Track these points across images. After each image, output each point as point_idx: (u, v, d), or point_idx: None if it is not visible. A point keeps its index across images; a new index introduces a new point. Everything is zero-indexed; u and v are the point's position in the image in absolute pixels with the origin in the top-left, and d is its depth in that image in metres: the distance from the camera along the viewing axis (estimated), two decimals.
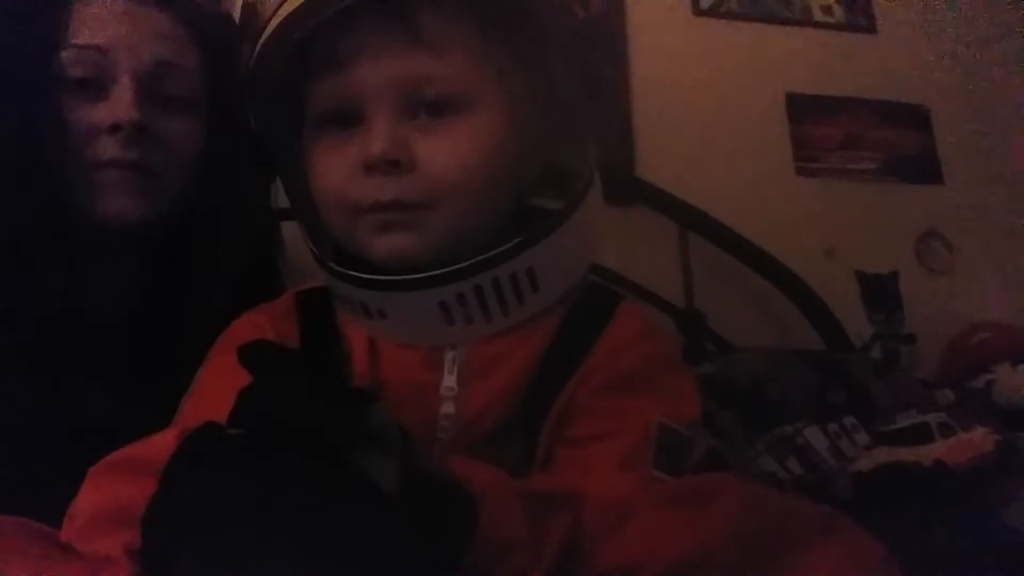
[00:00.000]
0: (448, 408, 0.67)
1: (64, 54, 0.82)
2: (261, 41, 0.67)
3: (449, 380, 0.67)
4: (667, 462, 0.63)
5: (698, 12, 1.74)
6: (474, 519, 0.54)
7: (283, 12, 0.65)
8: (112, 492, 0.55)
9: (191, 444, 0.50)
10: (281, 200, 1.04)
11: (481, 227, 0.68)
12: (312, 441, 0.48)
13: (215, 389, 0.66)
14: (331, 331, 0.71)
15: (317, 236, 0.73)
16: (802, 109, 1.72)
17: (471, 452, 0.62)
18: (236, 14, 0.99)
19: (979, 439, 1.00)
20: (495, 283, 0.66)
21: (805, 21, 1.79)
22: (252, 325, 0.73)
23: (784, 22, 1.78)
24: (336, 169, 0.67)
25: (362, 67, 0.65)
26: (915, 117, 1.78)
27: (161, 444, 0.55)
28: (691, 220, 1.50)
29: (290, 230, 1.06)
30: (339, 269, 0.69)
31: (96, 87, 0.83)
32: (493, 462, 0.60)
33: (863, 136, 1.74)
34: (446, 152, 0.65)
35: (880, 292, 1.55)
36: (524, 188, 0.72)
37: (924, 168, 1.75)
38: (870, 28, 1.81)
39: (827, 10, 1.80)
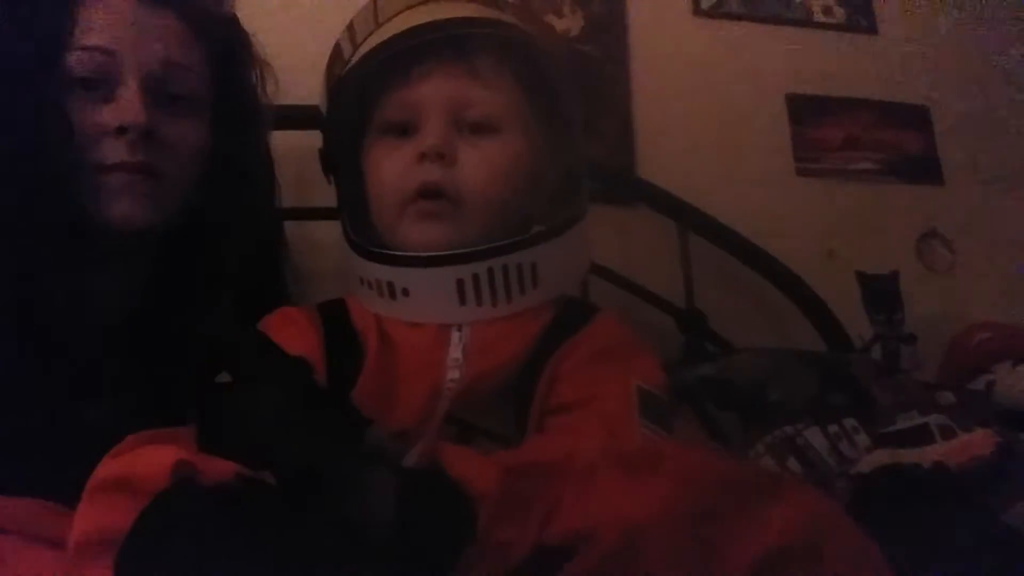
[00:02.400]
0: (453, 375, 0.79)
1: (70, 56, 0.82)
2: (356, 59, 0.86)
3: (455, 353, 0.80)
4: (652, 416, 0.75)
5: (698, 12, 1.73)
6: (471, 524, 0.55)
7: (372, 42, 0.85)
8: (100, 517, 0.57)
9: (165, 506, 0.52)
10: (284, 200, 1.04)
11: (499, 227, 0.83)
12: (316, 470, 0.51)
13: None
14: (348, 328, 0.84)
15: (357, 229, 0.88)
16: (802, 109, 1.72)
17: (474, 411, 0.76)
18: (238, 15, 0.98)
19: (979, 441, 1.00)
20: (504, 270, 0.81)
21: (805, 21, 1.78)
22: (288, 317, 0.85)
23: (784, 22, 1.77)
24: (394, 162, 0.84)
25: (425, 86, 0.84)
26: (915, 117, 1.77)
27: (156, 463, 0.57)
28: (691, 220, 1.50)
29: (293, 231, 1.07)
30: (379, 251, 0.84)
31: (102, 89, 0.83)
32: (492, 425, 0.75)
33: (863, 136, 1.74)
34: (481, 159, 0.83)
35: (880, 292, 1.55)
36: (532, 205, 0.87)
37: (924, 168, 1.75)
38: (870, 28, 1.81)
39: (827, 10, 1.80)
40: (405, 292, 0.82)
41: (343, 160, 0.90)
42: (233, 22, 0.95)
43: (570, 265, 0.89)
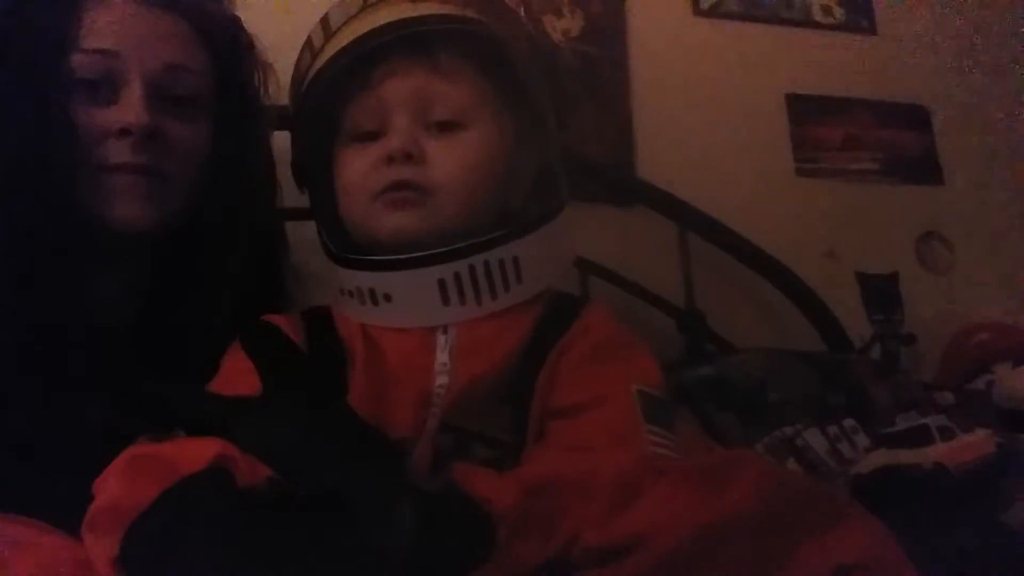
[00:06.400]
0: (442, 380, 0.78)
1: (74, 57, 0.83)
2: (315, 70, 0.85)
3: (442, 357, 0.79)
4: (656, 419, 0.74)
5: (698, 12, 1.73)
6: (491, 543, 0.55)
7: (333, 47, 0.83)
8: (125, 489, 0.57)
9: (188, 491, 0.52)
10: (285, 200, 1.05)
11: (474, 222, 0.81)
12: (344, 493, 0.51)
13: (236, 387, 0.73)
14: (333, 336, 0.83)
15: (335, 240, 0.87)
16: (802, 109, 1.72)
17: (469, 418, 0.75)
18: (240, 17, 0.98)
19: (979, 441, 0.99)
20: (485, 266, 0.79)
21: (805, 21, 1.78)
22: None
23: (784, 22, 1.77)
24: (363, 165, 0.83)
25: (388, 88, 0.82)
26: (915, 117, 1.78)
27: (196, 452, 0.57)
28: (691, 220, 1.50)
29: (293, 231, 1.07)
30: (355, 257, 0.83)
31: (106, 90, 0.83)
32: (489, 430, 0.74)
33: (863, 136, 1.74)
34: (450, 155, 0.81)
35: (880, 293, 1.55)
36: (509, 199, 0.86)
37: (924, 168, 1.75)
38: (870, 28, 1.81)
39: (827, 10, 1.80)
40: (387, 297, 0.81)
41: (316, 172, 0.89)
42: (236, 24, 0.95)
43: (553, 258, 0.87)
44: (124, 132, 0.82)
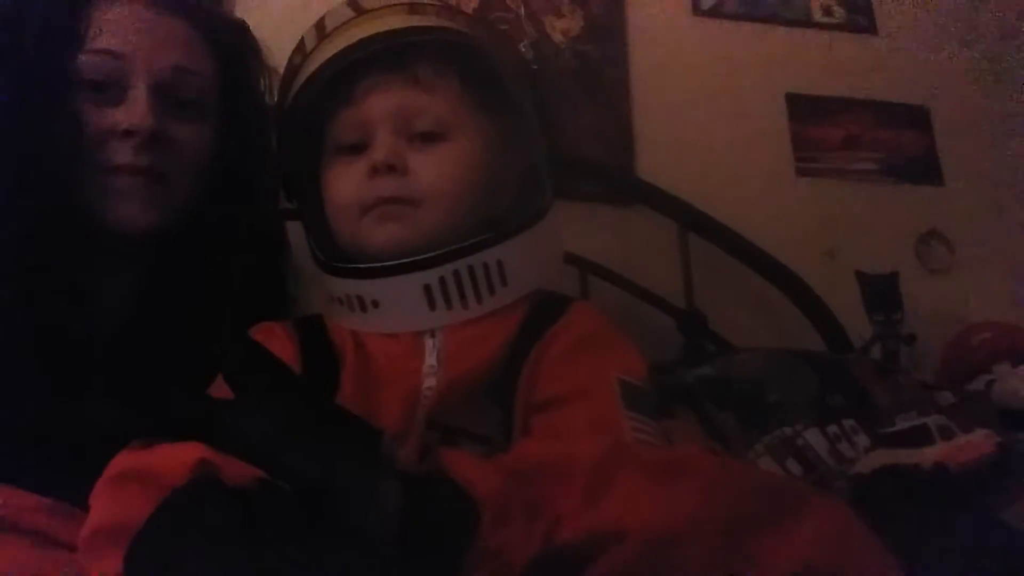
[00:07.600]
0: (430, 383, 0.79)
1: (81, 58, 0.83)
2: (296, 86, 0.86)
3: (430, 360, 0.80)
4: (636, 407, 0.75)
5: (698, 12, 1.74)
6: (474, 525, 0.55)
7: (317, 60, 0.85)
8: (116, 507, 0.57)
9: (183, 502, 0.52)
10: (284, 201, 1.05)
11: (460, 229, 0.83)
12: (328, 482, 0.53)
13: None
14: (325, 342, 0.85)
15: (323, 249, 0.88)
16: (802, 109, 1.72)
17: (455, 416, 0.76)
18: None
19: (979, 441, 1.00)
20: (470, 271, 0.81)
21: (805, 21, 1.79)
22: (267, 331, 0.84)
23: (784, 22, 1.78)
24: (348, 179, 0.84)
25: (371, 100, 0.84)
26: (915, 117, 1.78)
27: (179, 459, 0.56)
28: (691, 220, 1.50)
29: (292, 231, 1.07)
30: (343, 266, 0.85)
31: (112, 92, 0.84)
32: (476, 427, 0.75)
33: (863, 136, 1.74)
34: (433, 166, 0.83)
35: (880, 292, 1.55)
36: (494, 204, 0.87)
37: (924, 168, 1.75)
38: (870, 28, 1.82)
39: (827, 10, 1.80)
40: (375, 304, 0.82)
41: (303, 183, 0.90)
42: (242, 29, 0.96)
43: (539, 260, 0.88)
44: (128, 133, 0.83)
